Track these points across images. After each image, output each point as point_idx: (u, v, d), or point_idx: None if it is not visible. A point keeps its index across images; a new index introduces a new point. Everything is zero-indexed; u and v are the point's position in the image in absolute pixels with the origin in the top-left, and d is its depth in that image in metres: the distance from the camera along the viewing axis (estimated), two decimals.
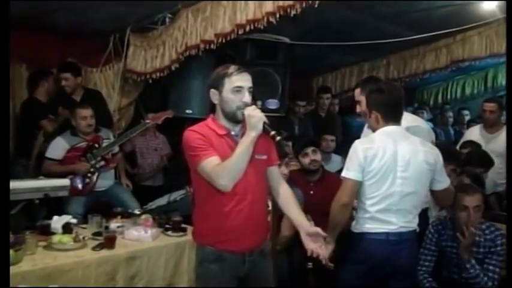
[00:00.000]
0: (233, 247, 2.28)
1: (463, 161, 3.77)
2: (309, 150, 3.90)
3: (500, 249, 2.92)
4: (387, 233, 2.57)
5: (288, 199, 2.44)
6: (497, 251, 2.93)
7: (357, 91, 3.03)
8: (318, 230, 2.33)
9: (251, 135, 2.17)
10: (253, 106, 2.22)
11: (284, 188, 2.47)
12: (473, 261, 2.91)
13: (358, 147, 2.58)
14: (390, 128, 2.61)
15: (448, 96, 7.37)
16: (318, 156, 3.92)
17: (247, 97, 2.23)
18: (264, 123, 2.18)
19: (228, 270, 2.30)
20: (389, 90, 2.64)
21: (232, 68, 2.26)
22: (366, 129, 3.13)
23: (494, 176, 4.10)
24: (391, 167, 2.54)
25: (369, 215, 2.58)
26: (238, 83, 2.23)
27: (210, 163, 2.18)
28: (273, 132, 2.19)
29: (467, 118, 6.83)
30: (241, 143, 2.19)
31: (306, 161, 3.90)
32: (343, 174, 2.59)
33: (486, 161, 3.94)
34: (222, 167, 2.16)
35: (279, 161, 2.54)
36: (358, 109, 3.03)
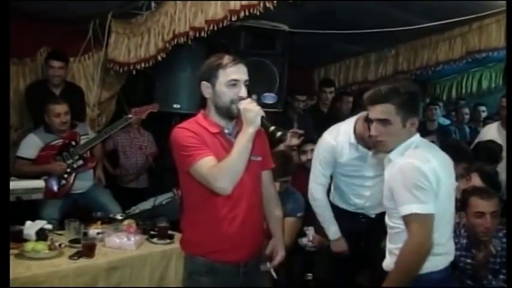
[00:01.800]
0: (227, 257, 2.28)
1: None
2: (308, 148, 4.00)
3: None
4: (447, 268, 2.35)
5: (271, 213, 2.53)
6: None
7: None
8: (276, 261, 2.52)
9: (248, 131, 2.16)
10: (249, 99, 2.22)
11: (272, 197, 2.53)
12: (490, 277, 2.93)
13: (423, 168, 2.20)
14: (420, 137, 2.40)
15: (463, 91, 7.40)
16: None
17: (243, 91, 2.23)
18: (263, 117, 2.17)
19: (221, 283, 2.30)
20: (418, 90, 2.43)
21: (226, 59, 2.25)
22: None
23: None
24: (448, 185, 2.32)
25: (434, 250, 2.25)
26: (234, 75, 2.23)
27: (206, 164, 2.16)
28: (272, 128, 2.18)
29: (483, 115, 6.85)
30: (238, 141, 2.18)
31: (303, 158, 4.01)
32: (419, 210, 2.18)
33: (492, 154, 3.97)
34: (219, 169, 2.14)
35: (273, 165, 2.54)
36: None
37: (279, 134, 2.18)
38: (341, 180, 3.45)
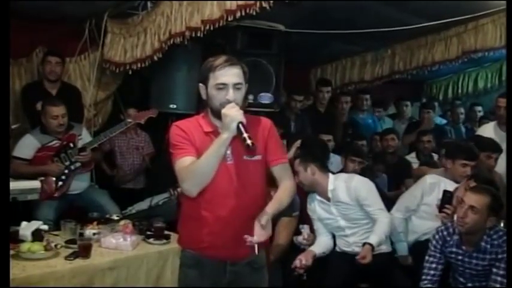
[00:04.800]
0: (212, 254, 2.32)
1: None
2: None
3: None
4: None
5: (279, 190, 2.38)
6: (505, 258, 2.90)
7: (296, 162, 3.62)
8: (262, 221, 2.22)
9: (222, 136, 2.16)
10: (232, 104, 2.19)
11: (283, 182, 2.40)
12: (481, 273, 2.97)
13: None
14: None
15: (459, 91, 7.42)
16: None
17: (231, 94, 2.22)
18: (240, 123, 2.14)
19: (207, 278, 2.33)
20: None
21: (218, 61, 2.24)
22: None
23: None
24: None
25: None
26: (221, 79, 2.22)
27: (181, 163, 2.21)
28: (245, 135, 2.13)
29: (479, 115, 6.87)
30: (211, 146, 2.19)
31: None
32: None
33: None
34: (187, 170, 2.19)
35: (283, 158, 2.44)
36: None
37: (248, 142, 2.12)
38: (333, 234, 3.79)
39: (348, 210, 3.60)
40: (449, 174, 3.88)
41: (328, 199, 3.61)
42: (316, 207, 3.70)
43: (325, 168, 3.71)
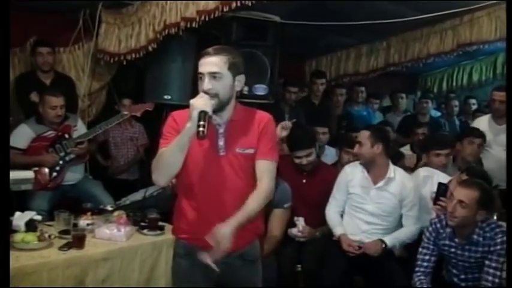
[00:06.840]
0: (205, 244, 2.23)
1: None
2: (303, 153, 3.91)
3: (501, 249, 2.91)
4: None
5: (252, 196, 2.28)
6: (497, 250, 2.92)
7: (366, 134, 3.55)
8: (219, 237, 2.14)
9: (186, 126, 2.15)
10: (201, 94, 2.21)
11: (260, 184, 2.32)
12: (473, 266, 2.99)
13: None
14: None
15: (454, 83, 7.43)
16: (313, 156, 3.95)
17: (205, 84, 2.21)
18: (202, 112, 2.11)
19: (199, 268, 2.27)
20: None
21: (204, 51, 2.27)
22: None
23: (502, 171, 4.13)
24: None
25: None
26: (200, 69, 2.24)
27: (158, 154, 2.25)
28: (200, 123, 2.10)
29: (474, 108, 6.89)
30: (176, 137, 2.20)
31: (297, 161, 3.93)
32: None
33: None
34: (155, 161, 2.21)
35: (270, 156, 2.39)
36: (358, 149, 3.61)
37: (198, 129, 2.09)
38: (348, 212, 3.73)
39: (384, 200, 3.58)
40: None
41: (375, 182, 3.58)
42: (355, 179, 3.65)
43: (388, 153, 3.65)
